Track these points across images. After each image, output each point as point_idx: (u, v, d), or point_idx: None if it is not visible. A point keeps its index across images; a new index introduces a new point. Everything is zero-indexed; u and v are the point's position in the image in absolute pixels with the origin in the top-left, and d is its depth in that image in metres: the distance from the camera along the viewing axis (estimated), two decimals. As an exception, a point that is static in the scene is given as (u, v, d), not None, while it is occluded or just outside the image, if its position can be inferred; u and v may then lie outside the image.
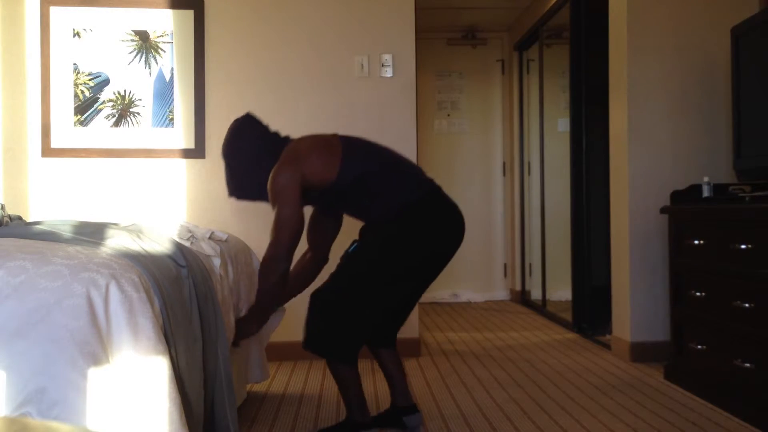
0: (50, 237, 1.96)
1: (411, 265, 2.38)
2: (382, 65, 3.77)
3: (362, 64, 3.77)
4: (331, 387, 3.15)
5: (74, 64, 3.69)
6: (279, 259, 2.34)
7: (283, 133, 3.73)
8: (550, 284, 5.16)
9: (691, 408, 2.76)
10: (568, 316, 4.60)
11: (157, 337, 1.68)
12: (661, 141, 3.52)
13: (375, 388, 3.14)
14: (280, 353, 3.68)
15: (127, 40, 3.71)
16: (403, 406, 2.51)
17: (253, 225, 3.69)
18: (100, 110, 3.70)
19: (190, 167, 3.73)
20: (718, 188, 3.12)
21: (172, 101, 3.72)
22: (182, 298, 1.93)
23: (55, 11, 3.68)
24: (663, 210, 3.24)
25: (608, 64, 3.76)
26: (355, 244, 2.41)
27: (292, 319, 3.51)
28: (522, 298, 5.81)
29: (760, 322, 2.51)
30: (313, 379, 3.30)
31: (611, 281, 3.76)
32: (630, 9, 3.51)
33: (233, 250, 2.57)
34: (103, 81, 3.71)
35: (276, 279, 2.36)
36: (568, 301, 4.61)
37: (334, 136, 2.47)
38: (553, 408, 2.78)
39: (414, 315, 3.77)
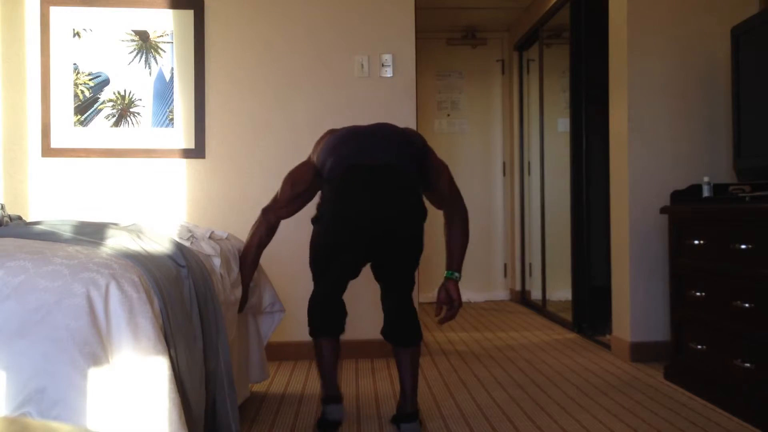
0: (50, 237, 1.96)
1: (331, 234, 2.42)
2: (382, 65, 3.77)
3: (362, 64, 3.77)
4: (331, 387, 3.15)
5: (74, 64, 3.69)
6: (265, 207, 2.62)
7: (283, 132, 3.76)
8: (550, 284, 5.16)
9: (691, 408, 2.76)
10: (568, 316, 4.60)
11: (157, 337, 1.68)
12: (661, 141, 3.52)
13: (375, 388, 3.14)
14: (280, 353, 3.68)
15: (127, 40, 3.71)
16: (402, 413, 2.51)
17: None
18: (100, 110, 3.70)
19: (190, 167, 3.73)
20: (718, 188, 3.12)
21: (172, 101, 3.72)
22: (182, 298, 1.93)
23: (55, 11, 3.68)
24: (663, 210, 3.24)
25: (608, 64, 3.76)
26: None
27: (292, 319, 3.51)
28: (522, 298, 5.81)
29: (760, 322, 2.51)
30: (313, 379, 3.30)
31: (611, 281, 3.76)
32: (630, 9, 3.51)
33: (234, 249, 2.57)
34: (103, 81, 3.71)
35: (255, 225, 2.61)
36: (568, 301, 4.61)
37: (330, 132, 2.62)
38: (553, 408, 2.78)
39: (414, 315, 3.77)
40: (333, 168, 2.43)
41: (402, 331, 2.50)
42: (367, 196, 2.37)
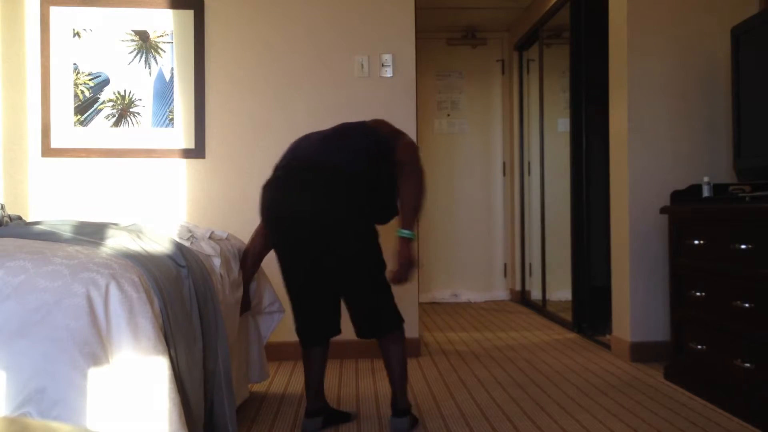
0: (50, 237, 1.96)
1: (272, 241, 2.48)
2: (382, 65, 3.77)
3: (362, 64, 3.77)
4: (330, 387, 3.15)
5: (74, 64, 3.69)
6: None
7: (283, 132, 3.76)
8: (550, 284, 5.16)
9: (691, 408, 2.76)
10: (568, 316, 4.60)
11: (157, 337, 1.68)
12: (661, 141, 3.52)
13: (375, 388, 3.14)
14: (280, 353, 3.68)
15: (127, 40, 3.71)
16: (393, 408, 2.52)
17: (253, 225, 3.68)
18: (100, 110, 3.70)
19: (190, 167, 3.73)
20: (718, 188, 3.12)
21: (172, 101, 3.72)
22: (182, 298, 1.93)
23: (55, 11, 3.68)
24: (663, 210, 3.24)
25: (608, 64, 3.76)
26: None
27: (292, 319, 3.51)
28: (522, 298, 5.81)
29: (760, 322, 2.51)
30: (313, 379, 3.30)
31: (611, 281, 3.76)
32: (630, 9, 3.51)
33: (234, 249, 2.57)
34: (103, 81, 3.71)
35: (253, 232, 2.69)
36: (568, 301, 4.61)
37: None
38: (553, 408, 2.78)
39: (414, 315, 3.77)
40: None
41: (371, 326, 2.49)
42: (284, 198, 2.36)
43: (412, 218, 2.41)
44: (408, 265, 2.39)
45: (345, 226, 2.35)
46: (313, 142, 2.46)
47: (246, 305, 2.66)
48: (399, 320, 2.49)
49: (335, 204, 2.32)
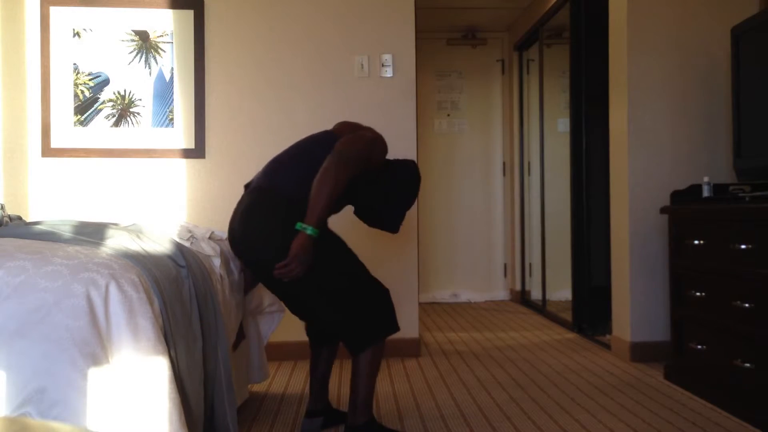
0: (50, 237, 1.96)
1: None
2: (382, 65, 3.77)
3: (362, 64, 3.77)
4: (330, 387, 3.15)
5: (74, 64, 3.69)
6: None
7: (283, 132, 3.76)
8: (550, 284, 5.16)
9: (691, 408, 2.76)
10: (568, 316, 4.60)
11: (157, 338, 1.68)
12: (661, 141, 3.52)
13: (375, 388, 3.14)
14: (280, 353, 3.68)
15: (127, 40, 3.71)
16: (349, 422, 2.37)
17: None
18: (100, 110, 3.70)
19: (190, 167, 3.73)
20: (718, 188, 3.12)
21: (172, 101, 3.72)
22: (182, 298, 1.93)
23: (55, 11, 3.68)
24: (663, 210, 3.24)
25: (608, 64, 3.76)
26: None
27: (292, 319, 3.51)
28: (522, 298, 5.81)
29: (760, 322, 2.51)
30: (313, 379, 3.30)
31: (611, 281, 3.76)
32: (630, 9, 3.51)
33: (233, 250, 2.57)
34: (103, 81, 3.71)
35: None
36: (568, 301, 4.61)
37: None
38: (553, 408, 2.78)
39: (414, 315, 3.78)
40: None
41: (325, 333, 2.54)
42: (230, 224, 2.37)
43: (313, 212, 2.16)
44: (293, 261, 2.16)
45: (269, 247, 2.23)
46: (268, 164, 2.42)
47: (241, 336, 2.65)
48: (371, 338, 2.29)
49: (259, 225, 2.25)
